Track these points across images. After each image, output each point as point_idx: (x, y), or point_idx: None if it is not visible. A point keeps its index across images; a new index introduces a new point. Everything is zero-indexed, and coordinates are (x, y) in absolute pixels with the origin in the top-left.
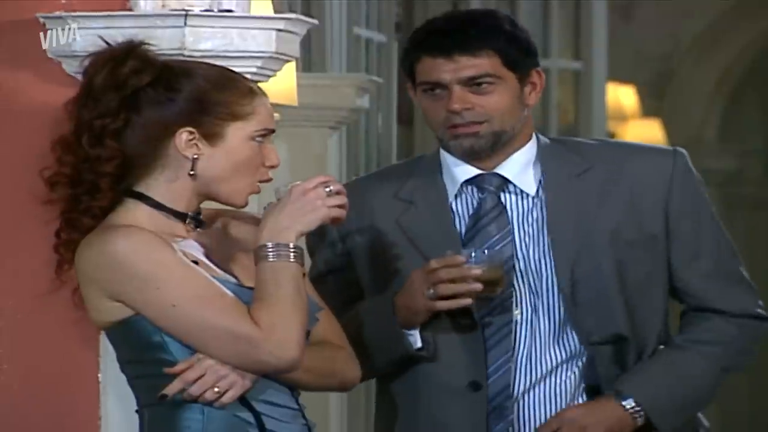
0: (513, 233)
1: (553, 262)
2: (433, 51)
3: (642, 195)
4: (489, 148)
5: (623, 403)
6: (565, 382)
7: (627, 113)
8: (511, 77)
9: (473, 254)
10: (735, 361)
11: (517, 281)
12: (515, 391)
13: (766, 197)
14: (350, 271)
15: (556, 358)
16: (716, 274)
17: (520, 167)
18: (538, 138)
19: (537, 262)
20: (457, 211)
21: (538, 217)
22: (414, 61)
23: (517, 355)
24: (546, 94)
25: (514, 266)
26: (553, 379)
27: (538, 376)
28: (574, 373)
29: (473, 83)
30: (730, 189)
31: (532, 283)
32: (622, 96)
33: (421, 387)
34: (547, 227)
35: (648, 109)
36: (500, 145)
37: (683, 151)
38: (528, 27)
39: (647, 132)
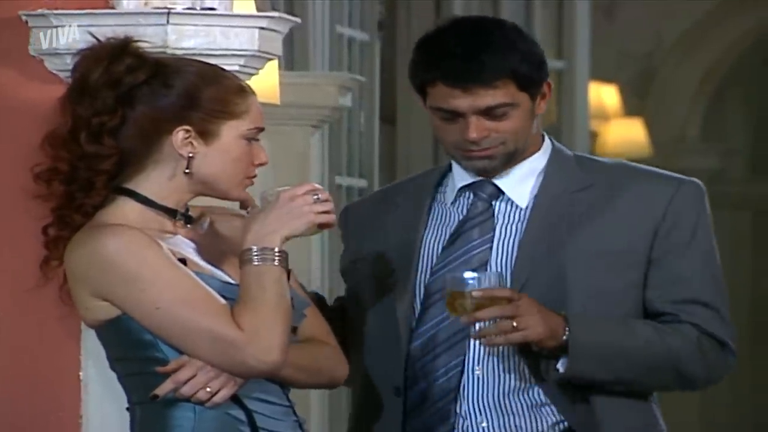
0: (493, 241)
1: (511, 270)
2: (448, 79)
3: (635, 216)
4: (501, 167)
5: (566, 328)
6: (518, 393)
7: (610, 112)
8: (525, 98)
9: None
10: (686, 358)
11: (499, 273)
12: (464, 395)
13: (749, 196)
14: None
15: (514, 368)
16: (690, 301)
17: (519, 179)
18: (553, 146)
19: (506, 272)
20: (455, 214)
21: (519, 228)
22: (427, 83)
23: (470, 360)
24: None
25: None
26: (502, 387)
27: (492, 383)
28: (533, 387)
29: (490, 111)
30: (713, 188)
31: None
32: (605, 95)
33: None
34: (520, 239)
35: (631, 109)
36: (512, 160)
37: (697, 182)
38: None
39: (630, 131)
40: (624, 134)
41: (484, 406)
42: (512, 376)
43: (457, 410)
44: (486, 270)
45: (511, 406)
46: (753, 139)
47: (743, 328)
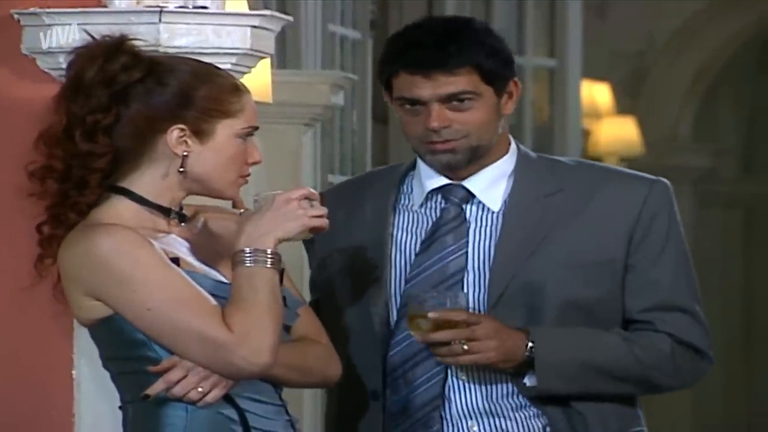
0: (468, 246)
1: (488, 278)
2: (410, 67)
3: (609, 220)
4: (466, 163)
5: (528, 343)
6: (507, 397)
7: (602, 111)
8: (489, 91)
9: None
10: (657, 370)
11: (466, 294)
12: (452, 399)
13: (740, 195)
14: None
15: (501, 372)
16: (665, 307)
17: (489, 182)
18: (518, 149)
19: (483, 277)
20: (424, 218)
21: (494, 233)
22: (391, 74)
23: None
24: (521, 92)
25: (463, 278)
26: (491, 391)
27: (479, 386)
28: (514, 390)
29: (452, 100)
30: (704, 187)
31: (477, 297)
32: (597, 94)
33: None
34: (497, 244)
35: (623, 107)
36: (477, 158)
37: (665, 182)
38: (503, 25)
39: (622, 130)
40: (616, 133)
41: (473, 409)
42: (500, 379)
43: (444, 414)
44: (463, 275)
45: (500, 409)
46: (745, 138)
47: (735, 327)
